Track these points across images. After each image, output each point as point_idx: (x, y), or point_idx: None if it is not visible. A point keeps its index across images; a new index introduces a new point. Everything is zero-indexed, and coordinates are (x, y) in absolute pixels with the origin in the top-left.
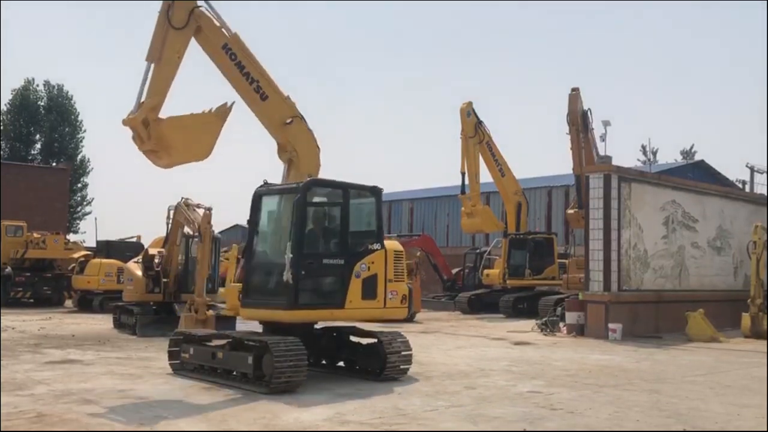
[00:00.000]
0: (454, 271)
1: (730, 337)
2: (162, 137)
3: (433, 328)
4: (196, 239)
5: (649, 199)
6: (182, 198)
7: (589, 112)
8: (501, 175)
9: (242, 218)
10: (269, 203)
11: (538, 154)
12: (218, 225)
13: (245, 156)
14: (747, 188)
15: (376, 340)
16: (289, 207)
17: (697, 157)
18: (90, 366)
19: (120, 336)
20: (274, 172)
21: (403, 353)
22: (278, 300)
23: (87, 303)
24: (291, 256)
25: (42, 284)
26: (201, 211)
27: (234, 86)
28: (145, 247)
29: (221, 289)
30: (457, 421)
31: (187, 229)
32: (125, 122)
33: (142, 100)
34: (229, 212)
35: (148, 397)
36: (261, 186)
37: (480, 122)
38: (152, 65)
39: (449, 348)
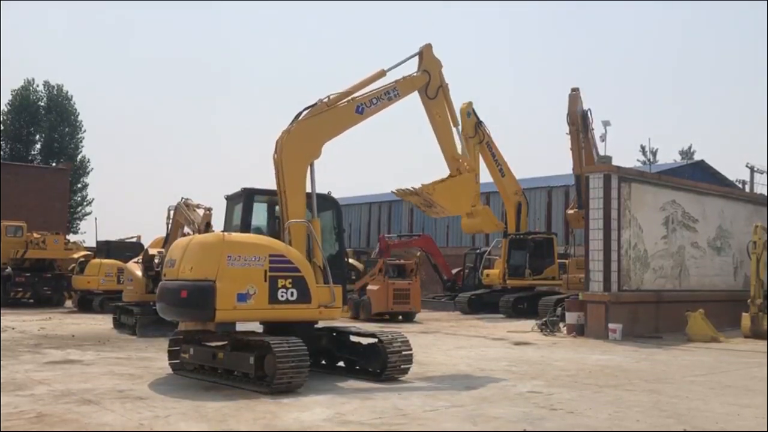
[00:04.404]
0: (454, 271)
1: (730, 337)
2: None
3: (433, 328)
4: None
5: (649, 199)
6: (182, 198)
7: (589, 112)
8: (501, 175)
9: None
10: None
11: (538, 154)
12: (218, 225)
13: (245, 156)
14: (747, 188)
15: (376, 340)
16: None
17: (697, 157)
18: (90, 366)
19: (120, 336)
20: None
21: (403, 353)
22: None
23: (87, 303)
24: None
25: (42, 284)
26: (201, 211)
27: None
28: (145, 247)
29: None
30: (457, 422)
31: (187, 229)
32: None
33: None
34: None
35: (148, 397)
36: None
37: (480, 122)
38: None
39: (449, 348)
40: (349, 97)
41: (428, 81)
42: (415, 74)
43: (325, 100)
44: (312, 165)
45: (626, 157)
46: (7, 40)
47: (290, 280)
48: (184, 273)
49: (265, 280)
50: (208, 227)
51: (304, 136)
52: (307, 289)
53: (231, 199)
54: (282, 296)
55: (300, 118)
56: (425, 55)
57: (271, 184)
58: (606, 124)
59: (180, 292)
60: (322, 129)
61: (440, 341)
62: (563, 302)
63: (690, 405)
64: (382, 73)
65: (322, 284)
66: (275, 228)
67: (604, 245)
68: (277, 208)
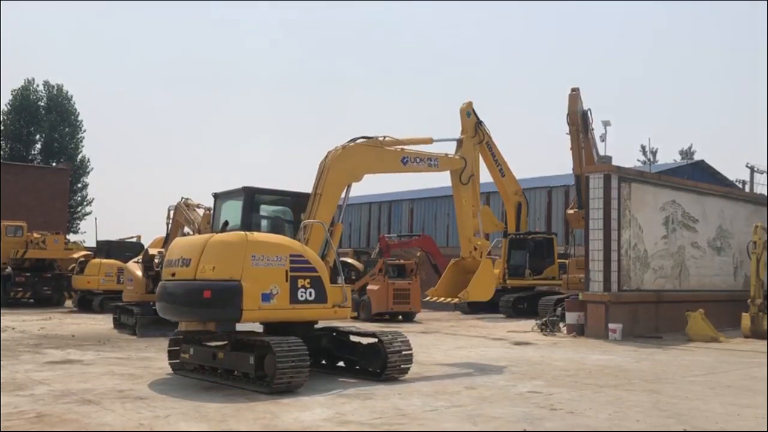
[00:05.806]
0: None
1: (730, 337)
2: None
3: (433, 328)
4: None
5: (649, 199)
6: (182, 198)
7: (589, 112)
8: (501, 175)
9: None
10: None
11: (538, 154)
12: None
13: (244, 156)
14: (747, 188)
15: (376, 340)
16: None
17: (697, 157)
18: (90, 366)
19: (120, 336)
20: (271, 171)
21: (403, 353)
22: None
23: (87, 303)
24: None
25: (42, 284)
26: (201, 211)
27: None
28: (145, 247)
29: None
30: (457, 422)
31: (187, 229)
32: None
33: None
34: None
35: (148, 397)
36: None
37: (480, 122)
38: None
39: (449, 348)
40: (400, 147)
41: (464, 167)
42: (455, 156)
43: (381, 138)
44: (349, 186)
45: (626, 157)
46: (7, 40)
47: (309, 280)
48: (204, 273)
49: (287, 280)
50: (225, 225)
51: (354, 157)
52: (323, 289)
53: (220, 197)
54: (301, 296)
55: (356, 141)
56: (465, 143)
57: (267, 184)
58: (606, 124)
59: (202, 292)
60: (370, 161)
61: (440, 341)
62: (563, 302)
63: (690, 405)
64: (429, 140)
65: (335, 284)
66: (263, 227)
67: (604, 245)
68: (263, 206)
